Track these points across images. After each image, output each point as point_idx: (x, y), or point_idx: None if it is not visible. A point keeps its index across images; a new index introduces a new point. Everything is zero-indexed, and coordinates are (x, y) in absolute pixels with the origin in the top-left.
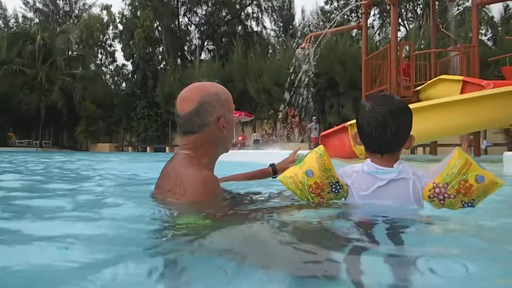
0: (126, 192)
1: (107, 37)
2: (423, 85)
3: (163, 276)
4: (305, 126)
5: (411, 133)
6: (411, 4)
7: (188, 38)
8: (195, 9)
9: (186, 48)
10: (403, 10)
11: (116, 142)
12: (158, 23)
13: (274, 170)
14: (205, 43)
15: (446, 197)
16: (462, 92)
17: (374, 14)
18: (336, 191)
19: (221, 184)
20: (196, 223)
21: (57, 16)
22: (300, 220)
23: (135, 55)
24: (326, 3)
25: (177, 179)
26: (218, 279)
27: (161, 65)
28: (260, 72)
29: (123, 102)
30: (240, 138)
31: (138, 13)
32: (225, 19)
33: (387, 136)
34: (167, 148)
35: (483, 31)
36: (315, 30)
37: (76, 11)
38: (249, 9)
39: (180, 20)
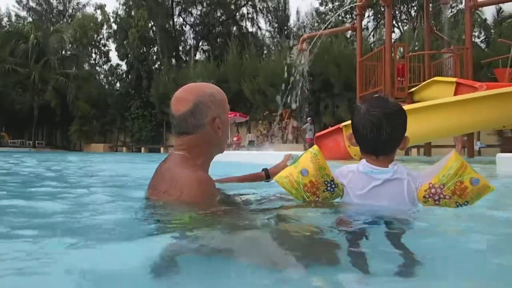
0: (121, 193)
1: (101, 36)
2: (417, 87)
3: (162, 276)
4: (300, 127)
5: (405, 135)
6: (405, 6)
7: (182, 38)
8: (190, 9)
9: (180, 48)
10: (397, 12)
11: (110, 142)
12: (152, 23)
13: (267, 175)
14: (200, 44)
15: (441, 198)
16: (455, 93)
17: (368, 16)
18: (331, 189)
19: (216, 185)
20: (193, 223)
21: (51, 15)
22: (296, 219)
23: (129, 55)
24: (321, 4)
25: (172, 180)
26: (217, 278)
27: (156, 65)
28: (255, 73)
29: (117, 102)
30: (235, 138)
31: (133, 13)
32: (220, 19)
33: (382, 139)
34: (161, 149)
35: (476, 33)
36: (310, 31)
37: (70, 10)
38: (244, 10)
39: (175, 20)
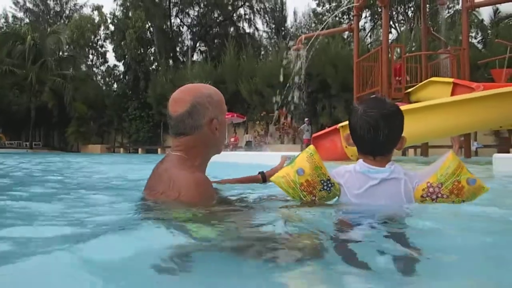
0: (117, 193)
1: (99, 37)
2: (414, 87)
3: (162, 273)
4: (297, 127)
5: (402, 135)
6: (403, 7)
7: (180, 39)
8: (187, 10)
9: (178, 49)
10: (394, 13)
11: (108, 143)
12: (150, 24)
13: (263, 177)
14: (197, 44)
15: (439, 197)
16: (452, 94)
17: (365, 17)
18: (328, 188)
19: (213, 186)
20: (190, 221)
21: (48, 16)
22: (292, 218)
23: (126, 56)
24: (318, 5)
25: (170, 181)
26: (217, 277)
27: (153, 66)
28: (252, 74)
29: (115, 103)
30: (232, 139)
31: (130, 14)
32: (217, 20)
33: (379, 139)
34: (159, 150)
35: (473, 34)
36: (307, 32)
37: (67, 12)
38: (241, 11)
39: (172, 21)
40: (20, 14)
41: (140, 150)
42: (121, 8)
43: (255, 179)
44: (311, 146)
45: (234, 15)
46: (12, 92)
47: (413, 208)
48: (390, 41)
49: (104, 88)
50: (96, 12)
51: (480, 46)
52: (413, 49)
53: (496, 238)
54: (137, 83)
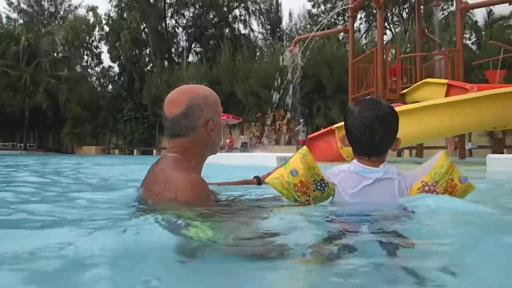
0: (113, 194)
1: (93, 38)
2: (408, 88)
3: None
4: (293, 128)
5: (397, 136)
6: (397, 8)
7: (175, 40)
8: (182, 11)
9: (173, 50)
10: (389, 14)
11: (103, 144)
12: (145, 25)
13: (258, 182)
14: (193, 45)
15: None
16: (447, 95)
17: (360, 18)
18: (322, 188)
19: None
20: (187, 223)
21: (42, 17)
22: (288, 217)
23: (121, 57)
24: (313, 6)
25: (166, 182)
26: (215, 277)
27: (148, 67)
28: (247, 75)
29: (110, 104)
30: (227, 140)
31: (125, 15)
32: (213, 21)
33: (375, 140)
34: (154, 151)
35: (467, 35)
36: (302, 33)
37: (62, 12)
38: (237, 12)
39: (167, 22)
40: (14, 15)
41: (135, 151)
42: (116, 9)
43: (250, 183)
44: (304, 147)
45: (230, 16)
46: (6, 93)
47: (407, 205)
48: (385, 42)
49: (99, 89)
50: (90, 13)
51: (474, 47)
52: (407, 50)
53: (491, 237)
54: (132, 84)
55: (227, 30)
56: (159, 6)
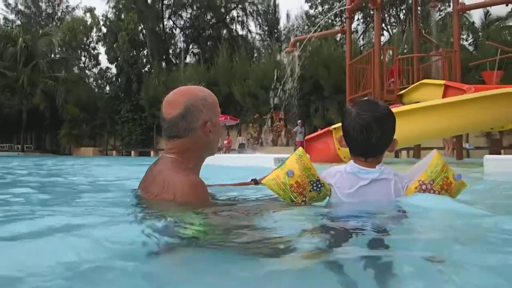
0: (111, 195)
1: (91, 40)
2: (406, 89)
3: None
4: (291, 129)
5: (394, 137)
6: (395, 9)
7: (173, 41)
8: (180, 13)
9: (171, 51)
10: (386, 15)
11: (100, 146)
12: (142, 26)
13: (255, 184)
14: (190, 47)
15: (431, 193)
16: (444, 96)
17: (358, 19)
18: (318, 189)
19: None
20: (186, 223)
21: (40, 18)
22: (284, 217)
23: (119, 58)
24: (310, 7)
25: (164, 183)
26: (212, 278)
27: (146, 68)
28: (245, 76)
29: (107, 105)
30: (225, 142)
31: (122, 16)
32: (210, 22)
33: (372, 141)
34: (151, 152)
35: (464, 36)
36: (300, 34)
37: (59, 14)
38: (234, 13)
39: (165, 23)
40: (11, 16)
41: (132, 152)
42: (114, 10)
43: (247, 185)
44: (300, 148)
45: (227, 17)
46: (3, 94)
47: (402, 205)
48: (382, 43)
49: (96, 90)
50: (88, 14)
51: (471, 48)
52: (405, 51)
53: (482, 237)
54: (129, 85)
55: (224, 31)
56: (157, 7)
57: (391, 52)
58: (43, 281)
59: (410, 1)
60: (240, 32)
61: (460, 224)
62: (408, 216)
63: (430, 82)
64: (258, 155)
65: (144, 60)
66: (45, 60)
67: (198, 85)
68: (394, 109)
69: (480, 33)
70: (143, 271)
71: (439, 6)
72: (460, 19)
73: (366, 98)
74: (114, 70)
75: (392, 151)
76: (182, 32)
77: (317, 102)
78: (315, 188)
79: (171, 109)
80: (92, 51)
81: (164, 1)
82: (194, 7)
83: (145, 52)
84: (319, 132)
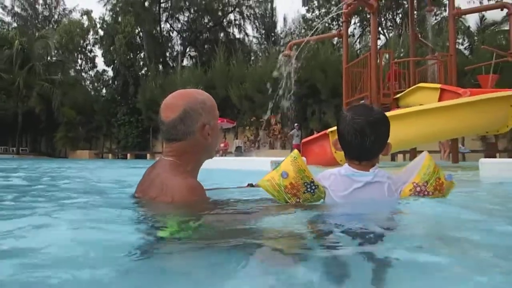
0: (108, 197)
1: (87, 42)
2: (402, 93)
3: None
4: (287, 133)
5: (388, 141)
6: (391, 13)
7: (170, 44)
8: (177, 16)
9: (168, 54)
10: (382, 19)
11: (96, 149)
12: (139, 29)
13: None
14: (187, 50)
15: (425, 195)
16: (440, 99)
17: (354, 23)
18: (312, 191)
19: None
20: (184, 225)
21: (36, 21)
22: (280, 217)
23: (116, 61)
24: (307, 11)
25: (162, 186)
26: (210, 278)
27: (143, 71)
28: (242, 79)
29: (104, 108)
30: (222, 145)
31: (119, 19)
32: (207, 25)
33: (366, 145)
34: (148, 155)
35: (460, 41)
36: (297, 38)
37: (56, 16)
38: (231, 16)
39: (162, 26)
40: (7, 19)
41: (128, 155)
42: (111, 13)
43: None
44: (295, 151)
45: (224, 20)
46: None
47: (394, 207)
48: (378, 47)
49: (93, 93)
50: (85, 17)
51: (467, 52)
52: (401, 55)
53: (488, 238)
54: (126, 88)
55: (221, 35)
56: (154, 10)
57: (387, 56)
58: (40, 283)
59: (407, 5)
60: (237, 36)
61: (453, 226)
62: (402, 218)
63: (426, 86)
64: (255, 158)
65: (141, 63)
66: (42, 62)
67: (197, 88)
68: (389, 113)
69: (476, 37)
70: (141, 272)
71: (435, 10)
72: (456, 23)
73: (362, 101)
74: (110, 73)
75: (386, 154)
76: (179, 35)
77: (314, 105)
78: (309, 189)
79: (170, 112)
80: (88, 54)
81: (161, 4)
82: (191, 11)
83: (142, 55)
84: (316, 135)
